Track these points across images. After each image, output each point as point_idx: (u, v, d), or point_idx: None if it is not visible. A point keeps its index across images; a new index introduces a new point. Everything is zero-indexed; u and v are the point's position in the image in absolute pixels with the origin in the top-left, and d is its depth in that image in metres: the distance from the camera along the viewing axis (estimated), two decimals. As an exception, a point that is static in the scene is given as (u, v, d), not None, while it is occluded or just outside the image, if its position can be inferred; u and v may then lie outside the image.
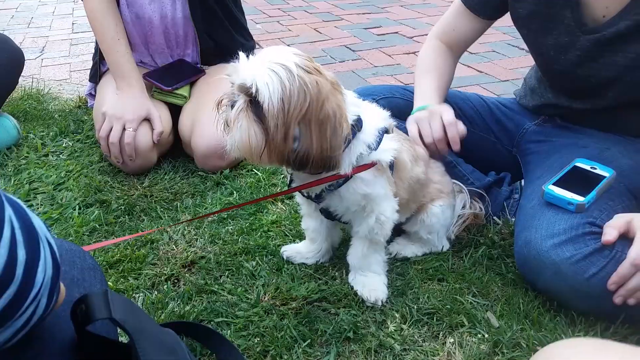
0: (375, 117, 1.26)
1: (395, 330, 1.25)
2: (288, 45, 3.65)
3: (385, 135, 1.26)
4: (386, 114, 1.30)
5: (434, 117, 1.51)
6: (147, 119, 1.94)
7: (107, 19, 1.97)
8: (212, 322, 1.26)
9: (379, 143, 1.23)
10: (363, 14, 4.57)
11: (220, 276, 1.42)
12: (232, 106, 1.12)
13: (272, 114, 1.06)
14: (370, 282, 1.35)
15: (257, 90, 1.06)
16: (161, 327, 0.79)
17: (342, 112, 1.11)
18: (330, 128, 1.09)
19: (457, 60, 1.77)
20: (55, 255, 0.65)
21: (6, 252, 0.56)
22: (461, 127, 1.51)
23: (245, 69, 1.09)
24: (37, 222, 0.64)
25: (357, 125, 1.19)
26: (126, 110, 1.90)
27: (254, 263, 1.46)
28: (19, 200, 0.63)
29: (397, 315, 1.29)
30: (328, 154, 1.10)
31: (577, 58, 1.43)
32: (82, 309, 0.75)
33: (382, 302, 1.32)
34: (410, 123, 1.54)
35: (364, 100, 1.39)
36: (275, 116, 1.06)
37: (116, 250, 1.50)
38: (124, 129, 1.88)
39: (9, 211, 0.58)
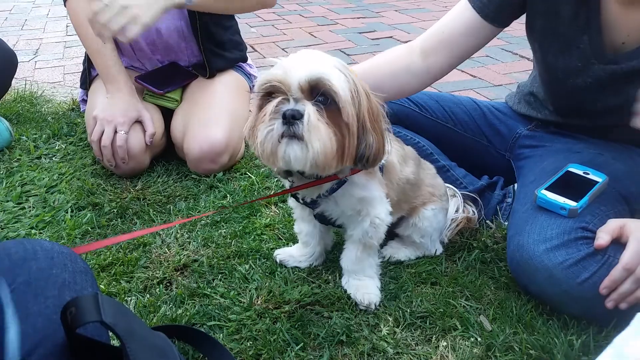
0: None
1: (388, 333, 1.25)
2: (283, 49, 3.66)
3: None
4: None
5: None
6: (139, 122, 1.94)
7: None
8: (204, 326, 1.25)
9: None
10: (357, 18, 4.58)
11: (213, 279, 1.41)
12: (290, 116, 1.01)
13: (348, 113, 1.03)
14: (363, 285, 1.34)
15: (332, 89, 1.01)
16: (152, 330, 0.79)
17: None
18: (381, 121, 1.11)
19: (428, 71, 1.51)
20: None
21: None
22: None
23: (313, 68, 1.02)
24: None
25: None
26: (116, 113, 1.89)
27: (247, 266, 1.46)
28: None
29: (390, 318, 1.29)
30: (385, 145, 1.12)
31: (588, 84, 1.40)
32: (72, 312, 0.75)
33: (375, 305, 1.32)
34: None
35: None
36: (352, 115, 1.03)
37: (108, 253, 1.49)
38: (116, 132, 1.88)
39: None
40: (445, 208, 1.51)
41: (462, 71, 3.27)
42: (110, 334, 0.98)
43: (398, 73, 1.50)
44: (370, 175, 1.25)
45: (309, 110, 1.01)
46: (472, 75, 3.20)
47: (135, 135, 1.90)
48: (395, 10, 4.83)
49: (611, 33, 1.33)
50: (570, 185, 1.36)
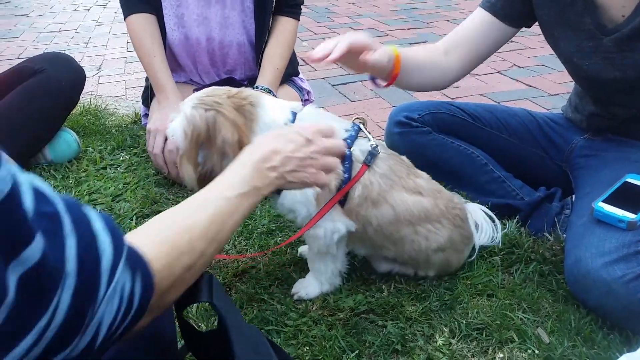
0: None
1: (443, 344, 1.25)
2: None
3: None
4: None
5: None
6: None
7: (144, 38, 2.09)
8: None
9: None
10: (408, 29, 4.58)
11: (270, 285, 1.45)
12: None
13: (182, 149, 1.28)
14: (305, 280, 1.43)
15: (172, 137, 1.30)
16: (247, 323, 0.83)
17: (232, 141, 1.23)
18: (219, 154, 1.24)
19: (449, 68, 1.62)
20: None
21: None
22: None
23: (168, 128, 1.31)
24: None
25: None
26: (163, 120, 1.98)
27: (303, 274, 1.49)
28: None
29: (445, 329, 1.29)
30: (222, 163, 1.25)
31: (602, 61, 1.42)
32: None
33: (299, 297, 1.40)
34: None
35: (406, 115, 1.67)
36: (183, 149, 1.28)
37: (171, 259, 1.56)
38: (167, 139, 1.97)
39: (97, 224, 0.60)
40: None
41: (517, 80, 3.23)
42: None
43: (425, 66, 1.60)
44: (306, 194, 1.29)
45: (180, 154, 1.31)
46: (527, 85, 3.15)
47: None
48: (447, 20, 4.81)
49: (609, 10, 1.37)
50: (629, 197, 1.32)
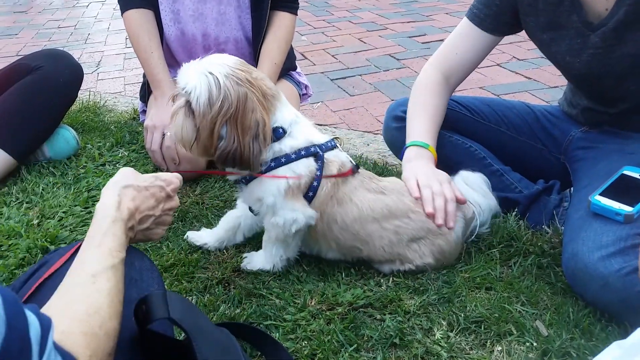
0: (308, 137, 1.37)
1: (442, 337, 1.25)
2: (333, 56, 3.70)
3: (305, 159, 1.36)
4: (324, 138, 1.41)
5: (444, 182, 1.46)
6: None
7: (141, 34, 2.09)
8: (261, 325, 1.30)
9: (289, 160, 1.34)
10: (407, 22, 4.57)
11: (269, 281, 1.46)
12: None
13: (198, 113, 1.24)
14: (256, 255, 1.51)
15: (187, 93, 1.24)
16: (216, 326, 0.83)
17: (265, 124, 1.26)
18: (251, 135, 1.23)
19: (452, 93, 1.74)
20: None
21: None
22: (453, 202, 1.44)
23: (183, 74, 1.26)
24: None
25: (276, 134, 1.33)
26: (161, 116, 1.98)
27: (300, 269, 1.49)
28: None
29: (443, 322, 1.30)
30: (247, 156, 1.26)
31: (591, 57, 1.43)
32: (143, 309, 0.80)
33: (246, 268, 1.49)
34: (410, 178, 1.48)
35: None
36: (202, 115, 1.23)
37: (170, 254, 1.56)
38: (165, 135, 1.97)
39: None
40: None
41: (517, 73, 3.22)
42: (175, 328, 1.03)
43: (442, 117, 1.69)
44: (279, 186, 1.34)
45: (178, 102, 1.29)
46: (526, 77, 3.14)
47: None
48: (446, 13, 4.79)
49: (593, 5, 1.39)
50: (626, 190, 1.32)
